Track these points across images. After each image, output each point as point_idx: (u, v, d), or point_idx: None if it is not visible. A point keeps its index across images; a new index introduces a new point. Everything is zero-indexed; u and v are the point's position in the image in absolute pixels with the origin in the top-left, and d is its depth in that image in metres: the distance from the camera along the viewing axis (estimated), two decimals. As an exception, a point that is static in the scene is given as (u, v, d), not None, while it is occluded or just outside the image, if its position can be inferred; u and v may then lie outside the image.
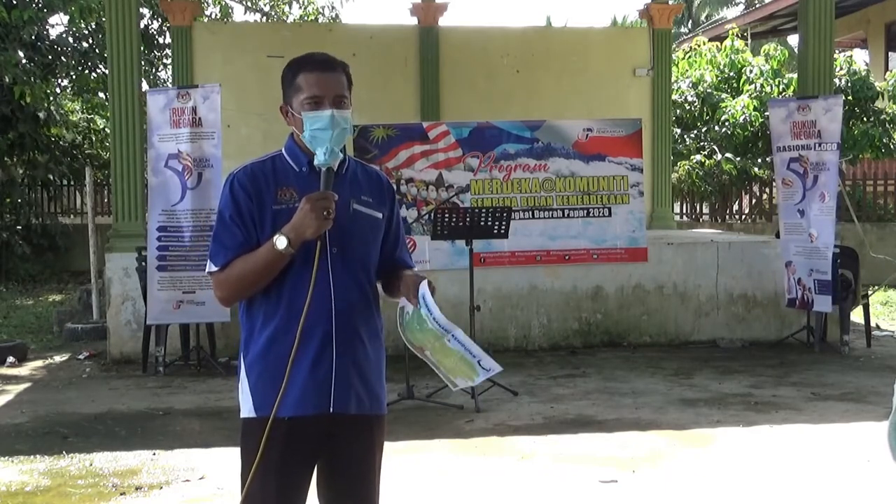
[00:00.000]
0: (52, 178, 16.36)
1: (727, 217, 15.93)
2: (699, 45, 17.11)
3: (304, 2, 17.89)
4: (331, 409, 2.49)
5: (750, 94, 15.33)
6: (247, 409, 2.54)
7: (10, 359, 8.44)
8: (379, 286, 2.70)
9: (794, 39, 21.15)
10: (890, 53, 19.28)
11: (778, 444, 5.56)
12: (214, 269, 2.53)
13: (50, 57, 15.79)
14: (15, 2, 14.00)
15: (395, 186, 8.12)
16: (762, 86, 15.25)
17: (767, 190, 15.30)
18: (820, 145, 8.34)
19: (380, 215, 2.63)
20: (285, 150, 2.61)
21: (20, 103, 13.75)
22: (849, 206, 10.04)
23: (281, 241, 2.42)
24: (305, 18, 17.79)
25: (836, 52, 12.76)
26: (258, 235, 2.50)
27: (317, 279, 2.45)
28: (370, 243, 2.61)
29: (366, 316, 2.58)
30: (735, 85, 16.16)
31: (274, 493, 2.50)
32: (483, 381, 2.63)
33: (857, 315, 9.21)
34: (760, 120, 14.68)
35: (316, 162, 2.51)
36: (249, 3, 18.20)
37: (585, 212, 8.64)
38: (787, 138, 8.63)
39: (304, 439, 2.51)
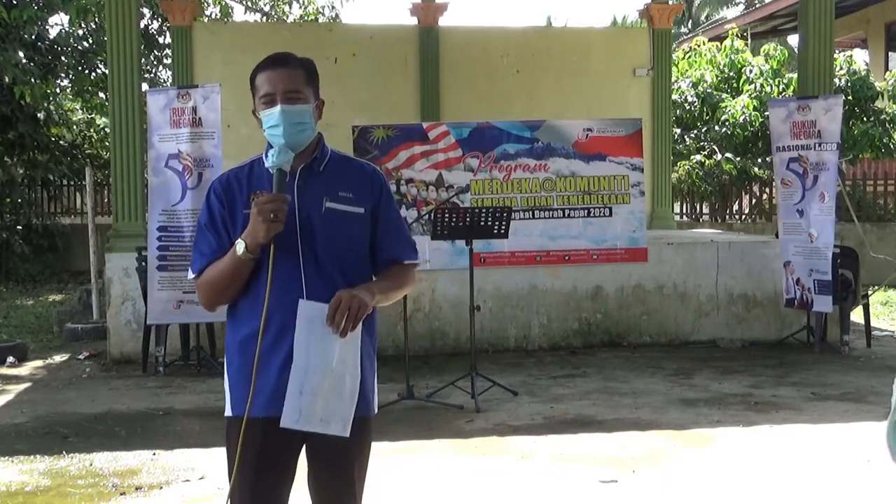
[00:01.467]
0: (52, 178, 16.37)
1: (727, 217, 15.93)
2: (699, 45, 17.11)
3: (304, 2, 17.88)
4: None
5: (750, 94, 15.34)
6: (227, 408, 2.59)
7: (10, 359, 8.44)
8: None
9: (794, 39, 21.15)
10: (890, 53, 19.29)
11: (778, 444, 5.56)
12: (192, 275, 2.59)
13: (50, 57, 15.79)
14: (15, 2, 14.00)
15: (393, 187, 8.23)
16: (762, 86, 15.26)
17: (767, 190, 15.30)
18: (820, 145, 8.34)
19: (361, 210, 2.58)
20: (264, 153, 2.60)
21: (20, 103, 13.75)
22: (849, 206, 10.03)
23: (240, 247, 2.44)
24: (305, 18, 17.79)
25: (836, 52, 12.76)
26: (232, 240, 2.52)
27: (290, 280, 2.46)
28: (347, 242, 2.55)
29: None
30: (735, 85, 16.16)
31: (249, 491, 2.52)
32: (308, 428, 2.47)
33: (857, 315, 9.21)
34: (760, 120, 14.68)
35: (266, 164, 2.50)
36: (249, 3, 18.19)
37: (585, 212, 8.64)
38: (786, 138, 8.63)
39: (279, 438, 2.50)
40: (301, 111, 2.50)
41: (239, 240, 2.45)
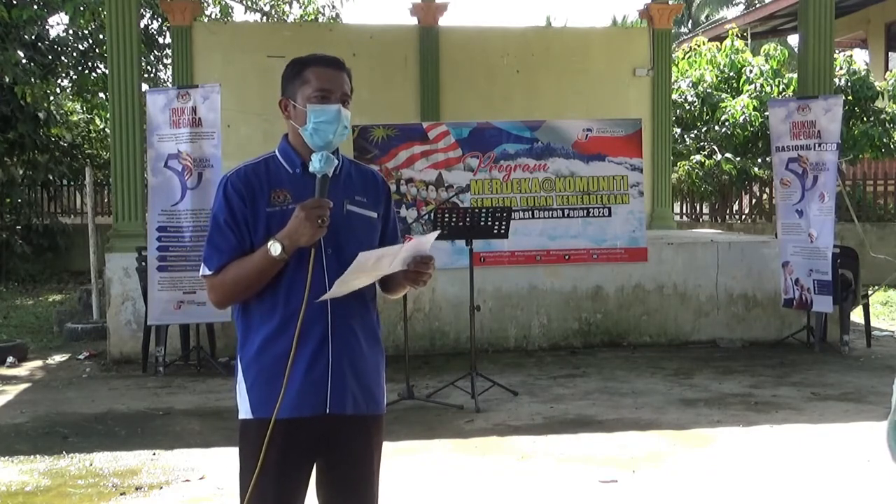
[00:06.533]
0: (52, 178, 16.37)
1: (727, 217, 15.93)
2: (699, 45, 17.11)
3: (304, 2, 17.87)
4: (327, 411, 2.49)
5: (750, 94, 15.34)
6: (244, 410, 2.55)
7: (10, 359, 8.44)
8: (377, 286, 2.69)
9: (794, 39, 21.15)
10: (890, 53, 19.28)
11: (778, 444, 5.56)
12: (208, 272, 2.54)
13: (50, 57, 15.79)
14: (15, 1, 14.00)
15: (393, 186, 8.22)
16: (762, 86, 15.26)
17: (767, 190, 15.30)
18: (819, 145, 8.34)
19: (374, 215, 2.63)
20: (279, 151, 2.61)
21: (20, 103, 13.77)
22: (849, 206, 10.04)
23: (275, 248, 2.42)
24: (305, 18, 17.78)
25: (836, 52, 12.76)
26: (251, 238, 2.51)
27: (312, 282, 2.44)
28: (365, 243, 2.58)
29: (362, 316, 2.58)
30: (735, 85, 16.16)
31: (272, 493, 2.50)
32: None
33: (857, 315, 9.21)
34: (760, 120, 14.68)
35: (311, 168, 2.50)
36: (249, 3, 18.18)
37: (585, 212, 8.64)
38: (786, 138, 8.63)
39: (301, 440, 2.51)
40: (349, 116, 2.56)
41: (273, 241, 2.42)
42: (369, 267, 2.43)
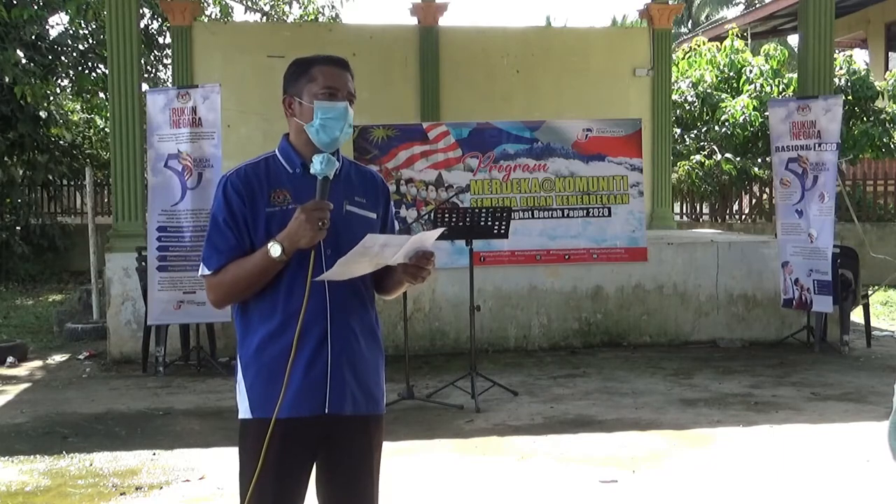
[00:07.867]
0: (51, 178, 16.37)
1: (727, 217, 15.94)
2: (699, 45, 17.12)
3: (304, 2, 17.88)
4: (326, 411, 2.49)
5: (750, 94, 15.35)
6: (243, 410, 2.55)
7: (10, 359, 8.44)
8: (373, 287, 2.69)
9: (794, 39, 21.15)
10: (890, 53, 19.29)
11: (778, 444, 5.56)
12: (207, 272, 2.53)
13: (50, 57, 15.79)
14: (15, 1, 14.00)
15: (392, 186, 8.23)
16: (762, 86, 15.26)
17: (767, 190, 15.29)
18: (819, 145, 8.34)
19: (374, 216, 2.63)
20: (279, 151, 2.61)
21: (20, 103, 13.75)
22: (849, 206, 10.05)
23: (275, 249, 2.42)
24: (305, 18, 17.79)
25: (836, 52, 12.76)
26: (251, 238, 2.50)
27: (311, 283, 2.44)
28: None
29: (361, 316, 2.58)
30: (735, 85, 16.17)
31: (271, 493, 2.50)
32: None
33: (857, 315, 9.21)
34: (760, 120, 14.69)
35: (312, 170, 2.50)
36: (249, 3, 18.18)
37: (585, 212, 8.64)
38: (786, 138, 8.63)
39: (300, 440, 2.51)
40: (352, 115, 2.57)
41: (273, 242, 2.42)
42: (374, 252, 2.42)
